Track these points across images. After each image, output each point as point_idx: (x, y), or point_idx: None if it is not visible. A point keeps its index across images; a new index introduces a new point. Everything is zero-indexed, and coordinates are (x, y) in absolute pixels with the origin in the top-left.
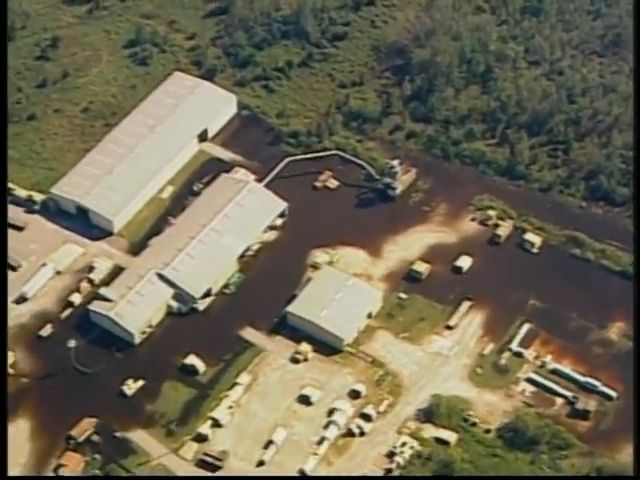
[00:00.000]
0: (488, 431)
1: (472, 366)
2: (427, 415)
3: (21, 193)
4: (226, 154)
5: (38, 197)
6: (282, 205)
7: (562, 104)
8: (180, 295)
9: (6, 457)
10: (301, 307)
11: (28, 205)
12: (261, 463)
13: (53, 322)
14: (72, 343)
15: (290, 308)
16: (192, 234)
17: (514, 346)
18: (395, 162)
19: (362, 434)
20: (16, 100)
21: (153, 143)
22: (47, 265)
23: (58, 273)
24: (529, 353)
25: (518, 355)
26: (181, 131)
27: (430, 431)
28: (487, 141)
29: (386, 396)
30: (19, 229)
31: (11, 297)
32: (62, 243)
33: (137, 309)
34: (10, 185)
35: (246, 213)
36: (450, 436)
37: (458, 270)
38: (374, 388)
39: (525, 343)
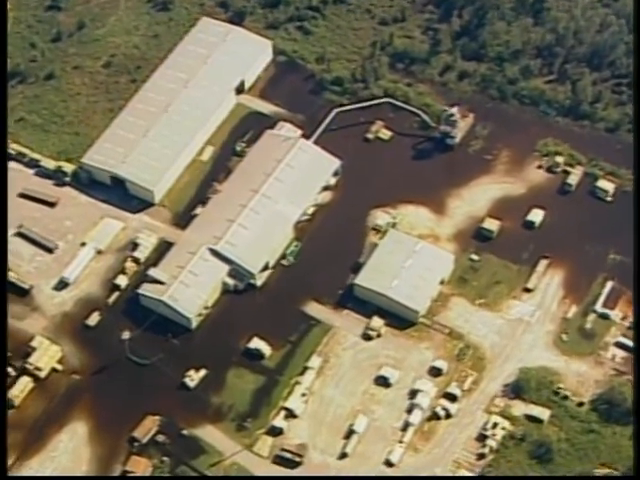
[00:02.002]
0: (581, 404)
1: (556, 332)
2: (515, 390)
3: (49, 164)
4: (266, 107)
5: (68, 168)
6: (335, 163)
7: (622, 34)
8: (236, 271)
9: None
10: (369, 278)
11: (58, 177)
12: (343, 455)
13: (100, 309)
14: (127, 334)
15: (358, 280)
16: (242, 202)
17: (598, 307)
18: (454, 109)
19: (448, 416)
20: (31, 57)
21: (187, 99)
22: (87, 245)
23: (99, 253)
24: (615, 314)
25: (604, 317)
26: (216, 84)
27: (520, 408)
28: (545, 78)
29: (469, 372)
30: (51, 205)
31: (51, 283)
32: (100, 218)
33: (192, 290)
34: (36, 156)
35: (298, 174)
36: (542, 413)
37: (530, 225)
38: (455, 363)
39: (610, 303)
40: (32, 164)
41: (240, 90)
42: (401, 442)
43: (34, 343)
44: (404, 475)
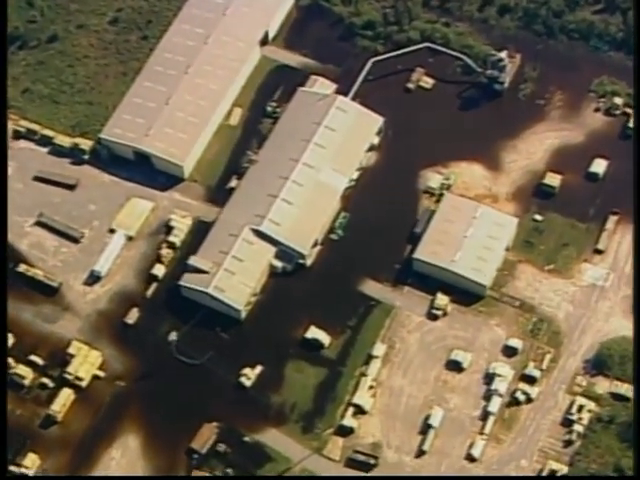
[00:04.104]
0: None
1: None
2: (597, 366)
3: (63, 141)
4: (294, 58)
5: (85, 144)
6: (378, 120)
7: None
8: (283, 252)
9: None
10: (429, 251)
11: (75, 155)
12: (421, 453)
13: (138, 304)
14: (174, 336)
15: (417, 254)
16: (282, 173)
17: None
18: (503, 54)
19: (529, 400)
20: (29, 18)
21: (209, 58)
22: (116, 232)
23: (130, 239)
24: None
25: None
26: (239, 37)
27: (604, 386)
28: (593, 7)
29: (546, 349)
30: (71, 187)
31: (80, 277)
32: (126, 199)
33: (238, 278)
34: (49, 133)
35: (340, 138)
36: (628, 390)
37: (594, 177)
38: (530, 340)
39: None
40: (44, 142)
41: (264, 42)
42: (482, 433)
43: (71, 350)
44: (486, 475)
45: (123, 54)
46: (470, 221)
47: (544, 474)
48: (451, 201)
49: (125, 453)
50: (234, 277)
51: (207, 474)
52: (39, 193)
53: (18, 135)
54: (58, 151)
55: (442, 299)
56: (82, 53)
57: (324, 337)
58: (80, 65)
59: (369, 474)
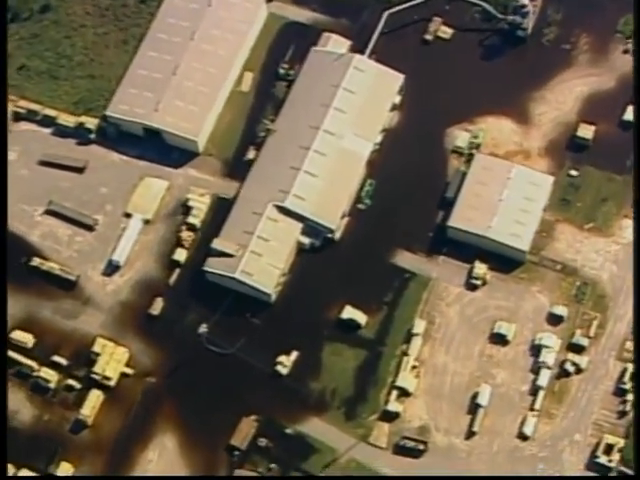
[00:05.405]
0: None
1: None
2: None
3: (67, 120)
4: (302, 14)
5: (91, 123)
6: (399, 78)
7: None
8: (310, 227)
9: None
10: (463, 217)
11: (81, 135)
12: (471, 434)
13: (162, 293)
14: (203, 328)
15: (451, 221)
16: (303, 143)
17: None
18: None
19: (579, 371)
20: None
21: (215, 20)
22: (132, 216)
23: (147, 222)
24: None
25: None
26: None
27: None
28: None
29: (592, 314)
30: (79, 170)
31: (98, 267)
32: (139, 179)
33: (266, 260)
34: (51, 112)
35: (360, 100)
36: None
37: (628, 125)
38: (575, 306)
39: None
40: (47, 122)
41: None
42: (532, 409)
43: (96, 347)
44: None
45: (122, 20)
46: (504, 182)
47: (600, 448)
48: (482, 162)
49: (163, 454)
50: (261, 259)
51: (250, 473)
52: (46, 178)
53: (18, 117)
54: (62, 131)
55: (480, 268)
56: (78, 22)
57: (360, 316)
58: (77, 35)
59: (419, 460)
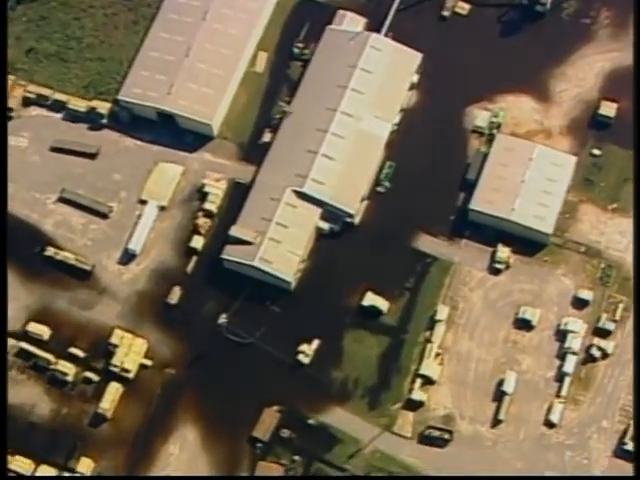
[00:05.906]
0: None
1: None
2: None
3: (78, 105)
4: None
5: (103, 107)
6: (417, 57)
7: None
8: (329, 212)
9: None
10: (485, 200)
11: (92, 120)
12: (497, 422)
13: (180, 282)
14: (223, 318)
15: (472, 204)
16: (320, 125)
17: None
18: None
19: (605, 356)
20: None
21: None
22: (148, 203)
23: (162, 209)
24: None
25: None
26: None
27: None
28: None
29: (618, 297)
30: (92, 156)
31: (114, 256)
32: (153, 164)
33: (285, 247)
34: (62, 97)
35: (378, 80)
36: None
37: None
38: (600, 289)
39: None
40: (58, 107)
41: None
42: (559, 396)
43: (114, 339)
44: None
45: (131, 0)
46: (526, 163)
47: (628, 435)
48: (504, 142)
49: (184, 447)
50: (280, 246)
51: (273, 464)
52: (58, 165)
53: (28, 101)
54: (73, 116)
55: (503, 251)
56: (87, 3)
57: (382, 303)
58: (86, 17)
59: (444, 450)
